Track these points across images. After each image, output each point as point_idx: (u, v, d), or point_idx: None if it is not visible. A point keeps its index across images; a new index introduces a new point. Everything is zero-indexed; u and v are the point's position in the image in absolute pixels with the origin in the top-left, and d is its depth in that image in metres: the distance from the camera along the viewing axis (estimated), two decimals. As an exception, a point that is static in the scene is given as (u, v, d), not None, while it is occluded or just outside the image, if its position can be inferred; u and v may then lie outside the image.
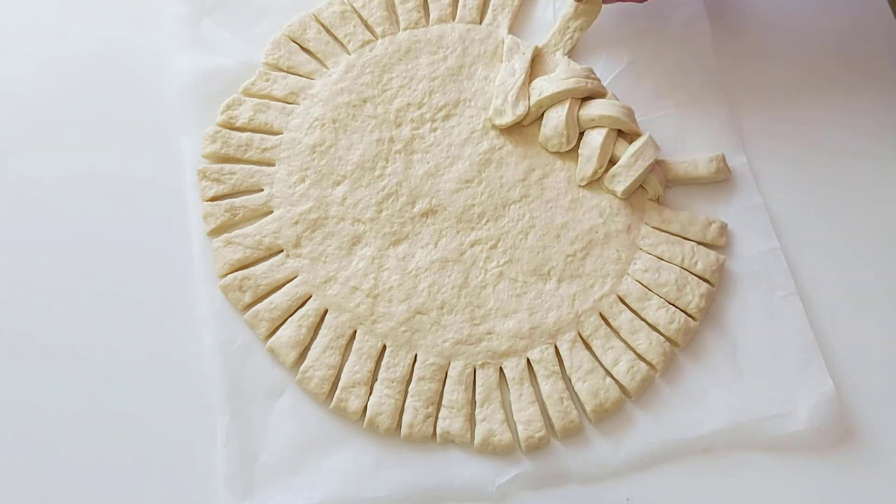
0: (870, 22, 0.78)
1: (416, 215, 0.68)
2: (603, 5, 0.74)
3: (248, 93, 0.72)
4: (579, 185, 0.70)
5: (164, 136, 0.71)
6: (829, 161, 0.73)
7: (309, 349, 0.64)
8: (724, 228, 0.69)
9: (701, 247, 0.68)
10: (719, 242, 0.69)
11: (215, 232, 0.68)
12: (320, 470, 0.61)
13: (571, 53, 0.74)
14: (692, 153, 0.72)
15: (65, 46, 0.75)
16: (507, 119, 0.70)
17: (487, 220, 0.68)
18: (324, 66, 0.74)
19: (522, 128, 0.72)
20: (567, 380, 0.64)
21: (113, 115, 0.72)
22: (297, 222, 0.68)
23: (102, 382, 0.63)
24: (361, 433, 0.62)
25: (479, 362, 0.64)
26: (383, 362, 0.64)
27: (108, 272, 0.67)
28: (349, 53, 0.74)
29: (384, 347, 0.65)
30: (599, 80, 0.72)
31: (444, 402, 0.63)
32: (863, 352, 0.66)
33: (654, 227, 0.69)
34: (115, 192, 0.69)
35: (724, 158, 0.71)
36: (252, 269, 0.66)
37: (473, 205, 0.69)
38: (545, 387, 0.64)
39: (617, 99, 0.72)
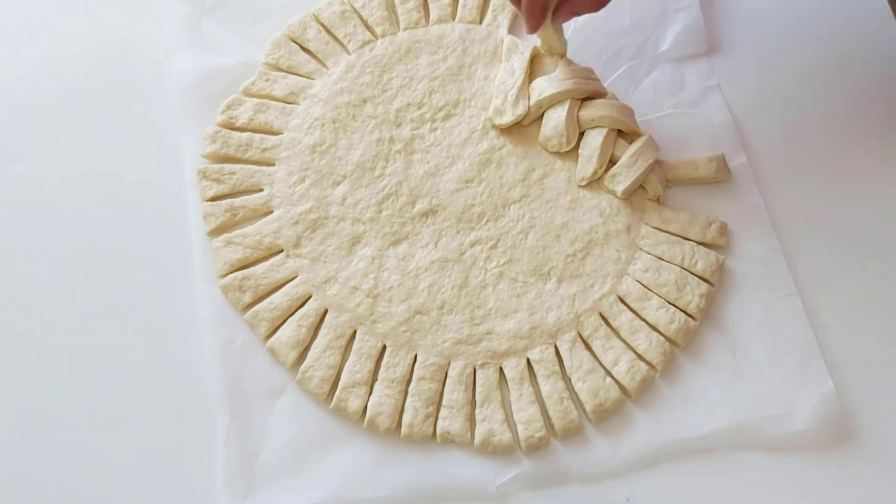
0: (870, 22, 0.78)
1: (416, 215, 0.68)
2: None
3: (248, 93, 0.72)
4: (579, 185, 0.70)
5: (164, 136, 0.71)
6: (829, 161, 0.73)
7: (309, 349, 0.64)
8: (724, 228, 0.69)
9: (701, 247, 0.68)
10: (719, 242, 0.69)
11: (215, 232, 0.68)
12: (320, 470, 0.61)
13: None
14: (692, 153, 0.72)
15: (65, 47, 0.75)
16: (507, 119, 0.70)
17: (487, 220, 0.68)
18: (324, 66, 0.74)
19: (522, 128, 0.72)
20: (567, 380, 0.64)
21: (113, 115, 0.72)
22: (297, 222, 0.68)
23: (102, 382, 0.63)
24: (361, 433, 0.62)
25: (479, 362, 0.64)
26: (383, 362, 0.64)
27: (108, 272, 0.67)
28: (349, 53, 0.74)
29: (384, 347, 0.65)
30: (599, 81, 0.72)
31: (444, 402, 0.63)
32: (863, 352, 0.66)
33: (654, 227, 0.69)
34: (115, 192, 0.69)
35: (724, 158, 0.71)
36: (252, 269, 0.66)
37: (473, 205, 0.69)
38: (545, 387, 0.64)
39: (617, 99, 0.72)
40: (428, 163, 0.70)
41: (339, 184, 0.69)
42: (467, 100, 0.72)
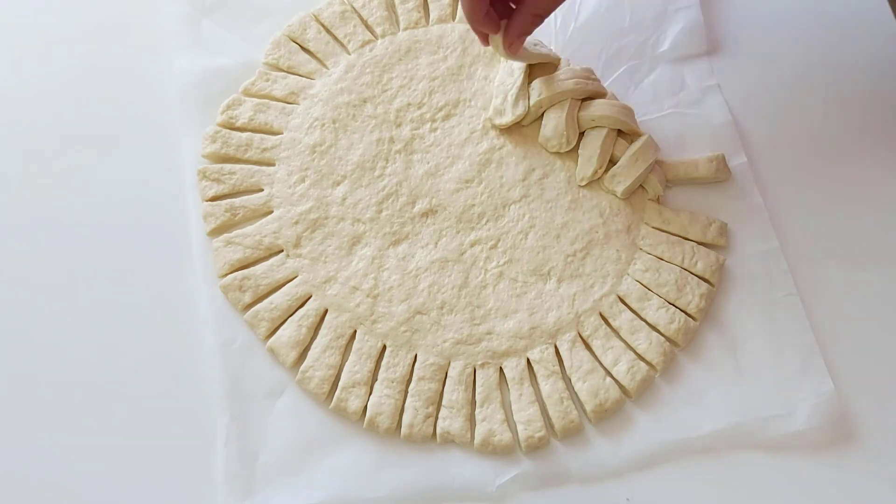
0: (870, 22, 0.78)
1: (416, 215, 0.68)
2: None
3: (248, 93, 0.72)
4: (579, 186, 0.70)
5: (164, 136, 0.71)
6: (829, 161, 0.73)
7: (309, 349, 0.64)
8: (724, 228, 0.69)
9: (701, 247, 0.68)
10: (719, 242, 0.69)
11: (215, 232, 0.68)
12: (320, 470, 0.61)
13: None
14: (692, 153, 0.72)
15: (64, 47, 0.75)
16: (507, 119, 0.70)
17: (487, 220, 0.68)
18: (324, 66, 0.74)
19: (522, 128, 0.72)
20: (567, 380, 0.64)
21: (113, 115, 0.72)
22: (297, 222, 0.68)
23: (102, 382, 0.63)
24: (361, 433, 0.62)
25: (479, 362, 0.64)
26: (383, 362, 0.64)
27: (108, 272, 0.67)
28: (349, 53, 0.74)
29: (384, 347, 0.65)
30: (599, 81, 0.72)
31: (444, 402, 0.63)
32: (863, 352, 0.66)
33: (654, 227, 0.69)
34: (115, 192, 0.69)
35: (724, 158, 0.71)
36: (252, 269, 0.66)
37: (473, 205, 0.69)
38: (545, 387, 0.64)
39: (617, 99, 0.72)
40: (428, 163, 0.70)
41: (339, 184, 0.69)
42: (467, 100, 0.72)
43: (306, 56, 0.74)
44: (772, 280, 0.68)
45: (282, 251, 0.67)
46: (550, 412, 0.63)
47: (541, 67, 0.72)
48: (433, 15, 0.76)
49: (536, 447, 0.62)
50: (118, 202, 0.69)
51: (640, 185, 0.70)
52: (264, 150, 0.70)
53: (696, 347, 0.66)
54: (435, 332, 0.65)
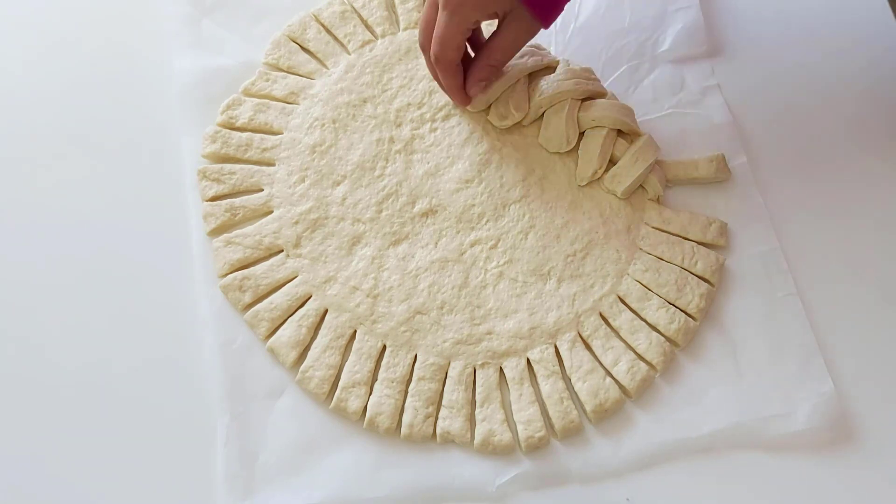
0: (870, 22, 0.78)
1: (416, 215, 0.68)
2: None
3: (248, 93, 0.72)
4: (579, 186, 0.70)
5: (164, 136, 0.71)
6: (829, 161, 0.73)
7: (309, 349, 0.64)
8: (724, 228, 0.69)
9: (701, 247, 0.68)
10: (719, 242, 0.69)
11: (215, 232, 0.68)
12: (320, 470, 0.61)
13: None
14: (692, 153, 0.72)
15: (64, 47, 0.75)
16: (508, 120, 0.70)
17: (487, 220, 0.68)
18: (324, 66, 0.74)
19: (522, 128, 0.72)
20: (567, 380, 0.64)
21: (113, 115, 0.72)
22: (297, 222, 0.68)
23: (102, 382, 0.63)
24: (361, 433, 0.62)
25: (479, 362, 0.64)
26: (383, 362, 0.64)
27: (107, 272, 0.67)
28: (349, 53, 0.74)
29: (384, 347, 0.65)
30: (599, 81, 0.72)
31: (444, 402, 0.63)
32: (863, 352, 0.66)
33: (654, 227, 0.69)
34: (114, 193, 0.69)
35: (724, 158, 0.71)
36: (252, 269, 0.66)
37: (473, 205, 0.69)
38: (545, 387, 0.63)
39: (617, 99, 0.72)
40: (428, 163, 0.70)
41: (339, 184, 0.69)
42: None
43: (306, 56, 0.74)
44: (772, 280, 0.68)
45: (282, 251, 0.67)
46: (550, 412, 0.63)
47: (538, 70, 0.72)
48: (433, 15, 0.76)
49: (536, 447, 0.62)
50: (118, 202, 0.69)
51: (640, 185, 0.70)
52: (264, 150, 0.70)
53: (696, 347, 0.66)
54: (435, 332, 0.65)
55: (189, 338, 0.65)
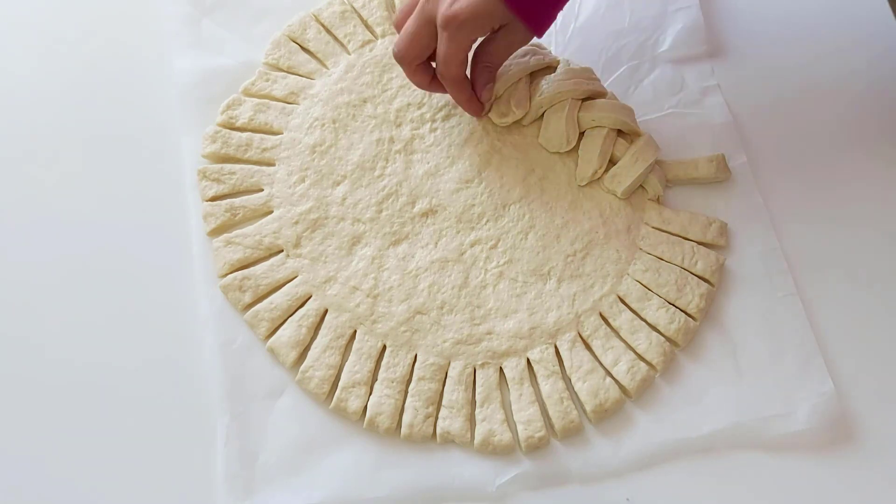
0: (870, 22, 0.78)
1: (416, 215, 0.68)
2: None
3: (248, 93, 0.72)
4: (579, 186, 0.70)
5: (164, 136, 0.71)
6: (829, 161, 0.73)
7: (309, 349, 0.64)
8: (724, 228, 0.69)
9: (701, 247, 0.68)
10: (719, 242, 0.69)
11: (215, 232, 0.68)
12: (320, 470, 0.61)
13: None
14: (692, 153, 0.72)
15: (64, 47, 0.75)
16: (508, 118, 0.70)
17: (487, 220, 0.68)
18: (324, 66, 0.74)
19: (522, 128, 0.72)
20: (567, 380, 0.64)
21: (113, 115, 0.72)
22: (297, 222, 0.68)
23: (102, 382, 0.63)
24: (361, 433, 0.62)
25: (479, 362, 0.64)
26: (383, 362, 0.64)
27: (107, 272, 0.67)
28: (349, 53, 0.74)
29: (384, 347, 0.65)
30: (599, 81, 0.72)
31: (444, 402, 0.63)
32: (863, 352, 0.66)
33: (654, 227, 0.69)
34: (114, 192, 0.69)
35: (724, 158, 0.71)
36: (252, 269, 0.66)
37: (473, 205, 0.69)
38: (545, 387, 0.63)
39: (617, 99, 0.72)
40: (428, 163, 0.70)
41: (339, 184, 0.69)
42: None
43: (306, 56, 0.74)
44: (772, 280, 0.68)
45: (282, 251, 0.67)
46: (550, 412, 0.63)
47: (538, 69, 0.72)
48: (433, 15, 0.76)
49: (536, 447, 0.62)
50: (118, 202, 0.69)
51: (640, 185, 0.70)
52: (264, 150, 0.70)
53: (696, 347, 0.66)
54: (435, 332, 0.65)
55: (189, 338, 0.65)
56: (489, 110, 0.70)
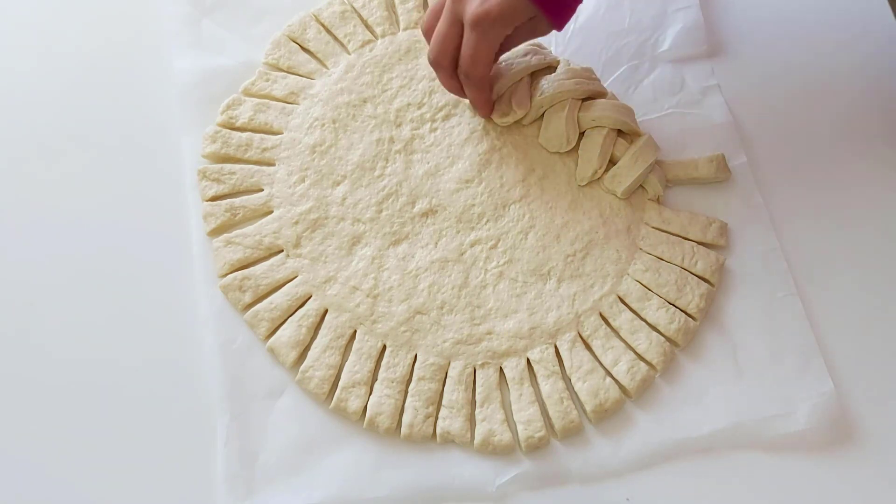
0: (870, 22, 0.78)
1: (416, 215, 0.68)
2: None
3: (248, 93, 0.72)
4: (579, 186, 0.70)
5: (164, 136, 0.71)
6: (829, 161, 0.73)
7: (309, 349, 0.64)
8: (724, 228, 0.69)
9: (701, 247, 0.68)
10: (719, 242, 0.69)
11: (215, 232, 0.68)
12: (320, 470, 0.61)
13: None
14: (692, 153, 0.72)
15: (64, 47, 0.75)
16: (510, 117, 0.70)
17: (487, 220, 0.68)
18: (324, 66, 0.74)
19: (522, 128, 0.72)
20: (567, 380, 0.64)
21: (113, 115, 0.72)
22: (297, 222, 0.68)
23: (102, 382, 0.63)
24: (361, 433, 0.62)
25: (479, 362, 0.64)
26: (383, 362, 0.64)
27: (107, 272, 0.67)
28: (349, 53, 0.74)
29: (384, 347, 0.65)
30: (599, 81, 0.72)
31: (444, 402, 0.63)
32: (863, 352, 0.66)
33: (654, 227, 0.69)
34: (114, 192, 0.70)
35: (724, 158, 0.71)
36: (252, 269, 0.66)
37: (473, 205, 0.69)
38: (545, 387, 0.63)
39: (617, 99, 0.72)
40: (428, 163, 0.70)
41: (339, 184, 0.69)
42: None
43: (306, 56, 0.74)
44: (772, 280, 0.68)
45: (282, 251, 0.67)
46: (550, 412, 0.63)
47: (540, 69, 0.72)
48: (433, 15, 0.76)
49: (536, 447, 0.62)
50: (118, 202, 0.69)
51: (640, 185, 0.70)
52: (264, 150, 0.70)
53: (696, 347, 0.66)
54: (435, 332, 0.65)
55: (189, 338, 0.65)
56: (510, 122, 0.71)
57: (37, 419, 0.62)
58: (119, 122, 0.72)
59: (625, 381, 0.64)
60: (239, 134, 0.70)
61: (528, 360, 0.65)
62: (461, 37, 0.64)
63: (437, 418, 0.63)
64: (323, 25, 0.75)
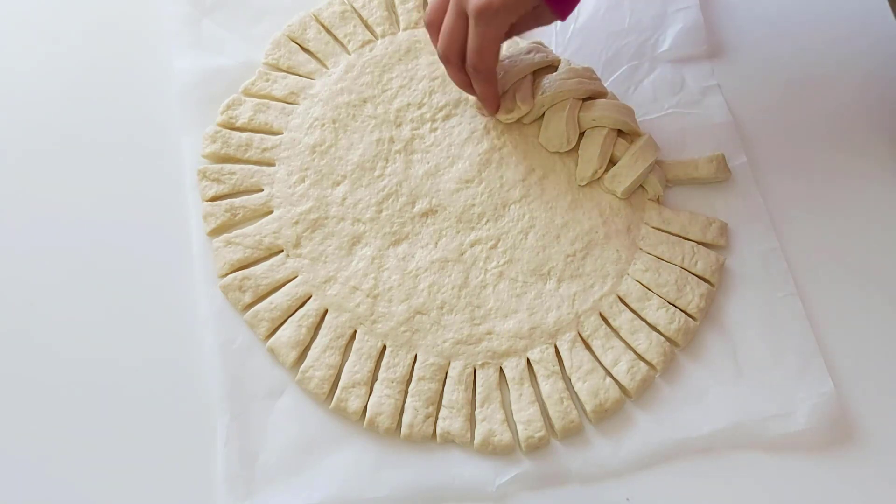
0: (870, 22, 0.78)
1: (416, 215, 0.68)
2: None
3: (248, 93, 0.72)
4: (579, 186, 0.70)
5: (164, 136, 0.71)
6: (829, 161, 0.73)
7: (309, 349, 0.64)
8: (724, 228, 0.69)
9: (701, 247, 0.68)
10: (719, 242, 0.69)
11: (215, 232, 0.68)
12: (320, 470, 0.61)
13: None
14: (692, 153, 0.72)
15: (64, 46, 0.75)
16: (513, 114, 0.70)
17: (487, 220, 0.68)
18: (324, 66, 0.74)
19: (523, 127, 0.72)
20: (567, 380, 0.64)
21: (113, 115, 0.72)
22: (297, 222, 0.68)
23: (102, 382, 0.63)
24: (361, 433, 0.62)
25: (479, 362, 0.64)
26: (383, 362, 0.64)
27: (107, 272, 0.67)
28: (349, 53, 0.74)
29: (384, 347, 0.65)
30: (600, 81, 0.72)
31: (444, 402, 0.63)
32: (863, 352, 0.66)
33: (654, 227, 0.69)
34: (114, 192, 0.69)
35: (724, 158, 0.71)
36: (252, 269, 0.66)
37: (473, 205, 0.69)
38: (545, 387, 0.63)
39: (617, 99, 0.72)
40: (428, 163, 0.70)
41: (339, 184, 0.69)
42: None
43: (306, 56, 0.74)
44: (772, 280, 0.68)
45: (282, 251, 0.67)
46: (550, 412, 0.63)
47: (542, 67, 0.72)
48: (433, 15, 0.76)
49: (536, 447, 0.62)
50: (118, 202, 0.69)
51: (640, 185, 0.70)
52: (264, 150, 0.70)
53: (696, 347, 0.66)
54: (435, 332, 0.65)
55: (189, 338, 0.65)
56: (514, 118, 0.71)
57: (37, 419, 0.62)
58: (119, 122, 0.72)
59: (625, 381, 0.64)
60: (239, 134, 0.70)
61: (528, 360, 0.65)
62: (467, 30, 0.64)
63: (437, 418, 0.63)
64: (323, 25, 0.75)
